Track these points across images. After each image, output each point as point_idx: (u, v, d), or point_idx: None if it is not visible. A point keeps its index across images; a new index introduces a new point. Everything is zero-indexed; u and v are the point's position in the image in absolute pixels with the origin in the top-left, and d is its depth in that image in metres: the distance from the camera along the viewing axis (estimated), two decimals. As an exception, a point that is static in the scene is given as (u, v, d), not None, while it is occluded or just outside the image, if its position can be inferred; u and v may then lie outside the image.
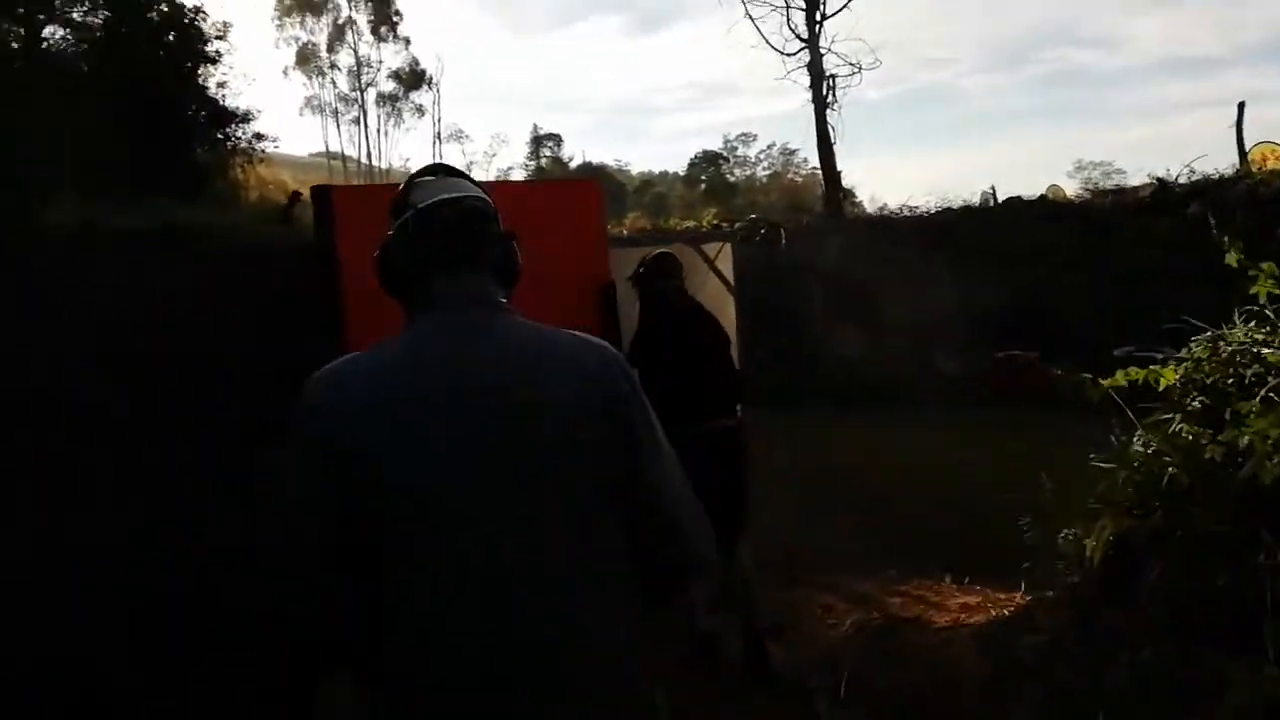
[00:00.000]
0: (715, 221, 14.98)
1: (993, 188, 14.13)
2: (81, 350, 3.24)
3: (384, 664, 1.15)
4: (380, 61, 47.22)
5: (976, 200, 13.90)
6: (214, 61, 17.87)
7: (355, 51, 46.69)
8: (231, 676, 2.88)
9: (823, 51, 19.23)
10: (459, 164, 1.84)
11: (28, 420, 3.13)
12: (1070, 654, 2.90)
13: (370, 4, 46.14)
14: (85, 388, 3.06)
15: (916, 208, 14.03)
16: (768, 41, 19.86)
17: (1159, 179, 11.84)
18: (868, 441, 7.65)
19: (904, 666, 3.42)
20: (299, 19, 45.95)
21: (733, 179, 47.92)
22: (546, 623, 1.14)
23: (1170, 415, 2.77)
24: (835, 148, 19.07)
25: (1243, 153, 12.46)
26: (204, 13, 17.51)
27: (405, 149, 50.33)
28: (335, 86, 47.44)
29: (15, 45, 15.42)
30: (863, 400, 9.20)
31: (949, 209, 13.58)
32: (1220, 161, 12.19)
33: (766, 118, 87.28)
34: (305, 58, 46.47)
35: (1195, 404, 2.76)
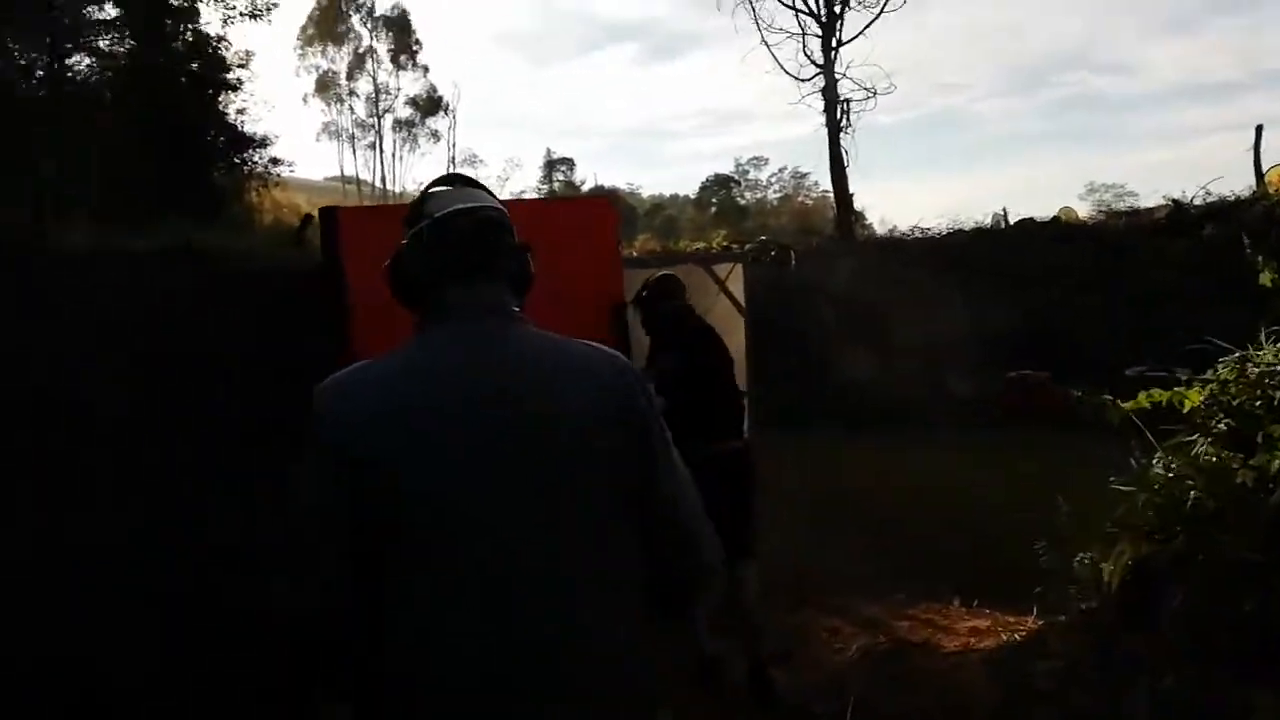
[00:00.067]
0: (725, 243, 15.01)
1: (1004, 210, 14.14)
2: (106, 354, 3.27)
3: (384, 665, 1.15)
4: (398, 88, 48.02)
5: (988, 222, 13.89)
6: (235, 89, 18.20)
7: (374, 79, 47.51)
8: (231, 676, 2.86)
9: (838, 77, 19.40)
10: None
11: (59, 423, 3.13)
12: (1087, 679, 2.84)
13: (391, 33, 47.03)
14: (87, 388, 3.09)
15: (928, 229, 14.04)
16: (783, 68, 20.09)
17: (1174, 201, 11.79)
18: (878, 462, 7.58)
19: (912, 692, 3.35)
20: (321, 48, 46.86)
21: (743, 202, 48.07)
22: (547, 622, 1.14)
23: (1193, 438, 2.71)
24: (848, 171, 19.20)
25: (1260, 175, 12.38)
26: (226, 41, 17.89)
27: (420, 173, 50.77)
28: (353, 113, 48.24)
29: (42, 73, 15.76)
30: (874, 421, 9.12)
31: (960, 231, 13.57)
32: (1236, 184, 12.09)
33: (778, 142, 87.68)
34: (325, 85, 47.31)
35: (1221, 426, 2.70)
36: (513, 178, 48.50)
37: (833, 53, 19.42)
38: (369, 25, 47.05)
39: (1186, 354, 3.01)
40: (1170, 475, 2.76)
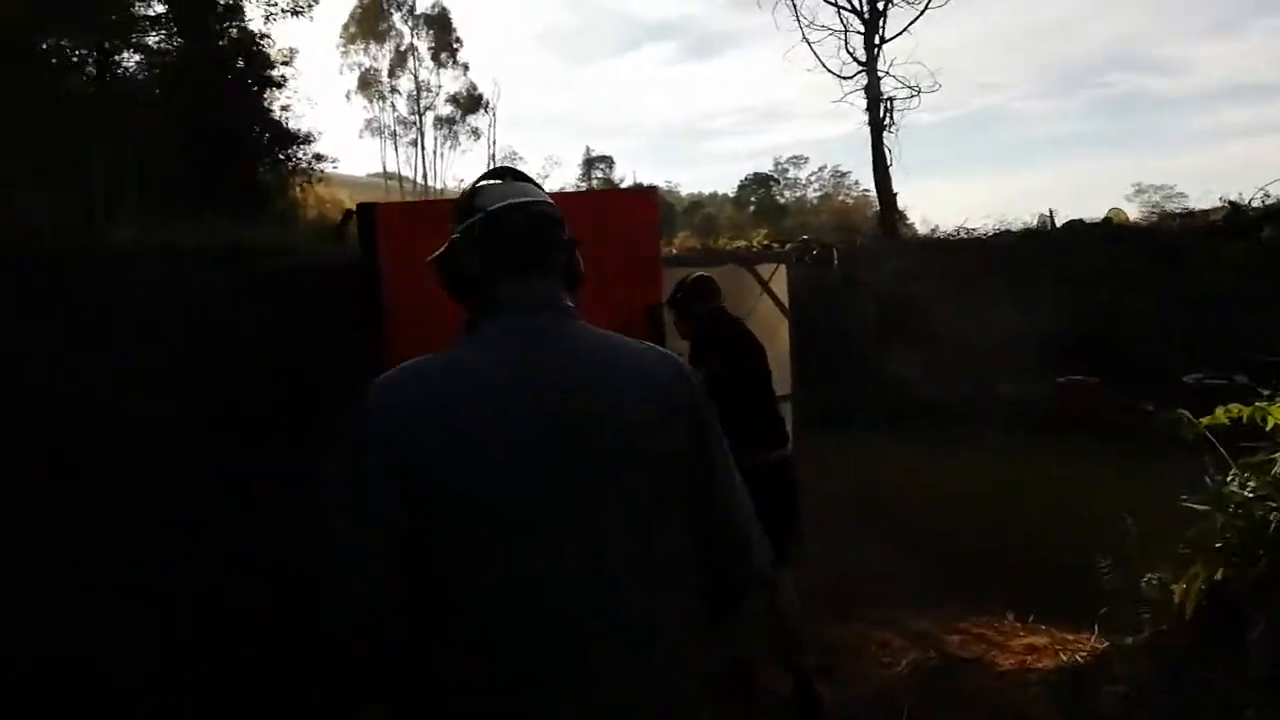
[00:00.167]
0: (766, 241, 14.85)
1: (1051, 210, 13.82)
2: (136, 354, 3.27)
3: (429, 665, 1.13)
4: (439, 86, 48.58)
5: (1035, 223, 13.59)
6: (279, 86, 18.50)
7: (415, 77, 48.09)
8: (231, 676, 2.85)
9: (880, 75, 19.08)
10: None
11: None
12: (1154, 706, 2.69)
13: (432, 31, 47.51)
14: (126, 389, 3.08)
15: (974, 229, 13.76)
16: (824, 65, 19.88)
17: (1231, 202, 11.43)
18: (923, 465, 7.39)
19: (964, 709, 3.21)
20: (363, 45, 47.51)
21: (782, 200, 47.74)
22: (587, 620, 1.12)
23: (1275, 455, 2.54)
24: (890, 170, 18.87)
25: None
26: (271, 39, 18.16)
27: (460, 170, 51.40)
28: (395, 110, 48.88)
29: (92, 69, 16.11)
30: (919, 423, 8.92)
31: (1008, 231, 13.30)
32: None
33: (818, 141, 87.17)
34: (367, 83, 48.01)
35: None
36: (552, 175, 48.90)
37: (876, 50, 19.12)
38: (410, 23, 47.69)
39: (1250, 361, 2.83)
40: (1250, 495, 2.59)
